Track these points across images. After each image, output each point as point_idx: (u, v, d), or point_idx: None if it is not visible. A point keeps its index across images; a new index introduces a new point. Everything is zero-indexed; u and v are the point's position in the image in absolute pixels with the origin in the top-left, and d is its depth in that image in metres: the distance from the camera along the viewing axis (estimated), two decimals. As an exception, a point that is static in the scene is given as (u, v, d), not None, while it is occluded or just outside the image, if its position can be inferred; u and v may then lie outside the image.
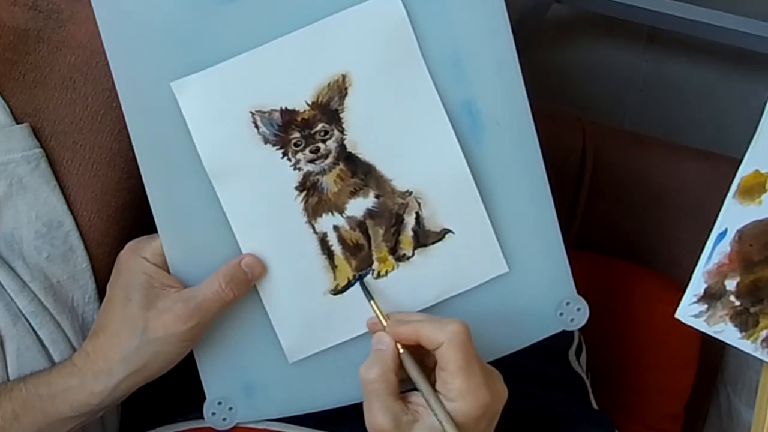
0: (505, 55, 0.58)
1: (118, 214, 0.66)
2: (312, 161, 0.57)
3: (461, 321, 0.53)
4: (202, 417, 0.61)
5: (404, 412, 0.52)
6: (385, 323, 0.56)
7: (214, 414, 0.60)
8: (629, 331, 0.85)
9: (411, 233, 0.59)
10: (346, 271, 0.59)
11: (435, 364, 0.53)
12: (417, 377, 0.53)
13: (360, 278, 0.59)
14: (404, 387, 0.54)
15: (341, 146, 0.57)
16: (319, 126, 0.57)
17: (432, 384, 0.53)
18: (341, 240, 0.58)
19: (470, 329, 0.53)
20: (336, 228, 0.58)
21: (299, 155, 0.57)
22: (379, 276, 0.59)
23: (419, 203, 0.58)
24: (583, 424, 0.71)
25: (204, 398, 0.60)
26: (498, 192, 0.59)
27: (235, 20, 0.56)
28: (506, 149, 0.58)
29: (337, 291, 0.59)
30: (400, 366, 0.54)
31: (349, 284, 0.59)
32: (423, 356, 0.54)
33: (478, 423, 0.52)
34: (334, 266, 0.59)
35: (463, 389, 0.52)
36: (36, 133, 0.63)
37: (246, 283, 0.57)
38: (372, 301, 0.57)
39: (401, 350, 0.54)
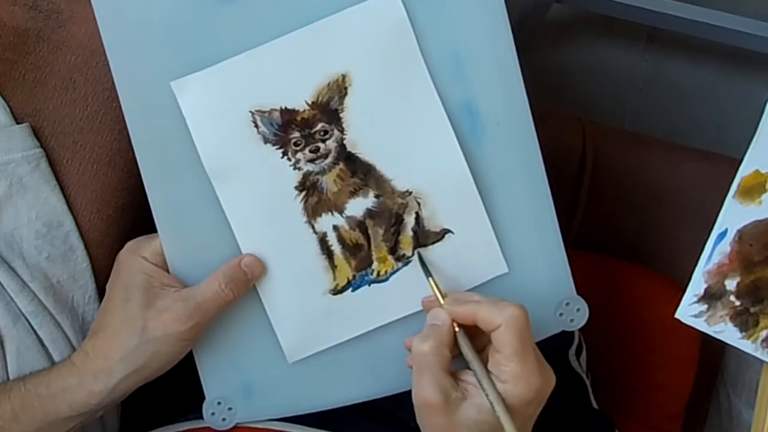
0: (505, 55, 0.58)
1: (118, 214, 0.65)
2: (312, 161, 0.57)
3: (520, 305, 0.52)
4: (202, 417, 0.61)
5: (454, 389, 0.52)
6: (442, 301, 0.55)
7: (213, 414, 0.60)
8: (629, 331, 0.85)
9: (411, 233, 0.59)
10: (346, 271, 0.59)
11: (486, 344, 0.53)
12: (471, 357, 0.53)
13: (418, 253, 0.58)
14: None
15: (341, 146, 0.57)
16: (319, 126, 0.57)
17: (484, 363, 0.53)
18: (341, 240, 0.58)
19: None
20: (336, 228, 0.58)
21: (299, 155, 0.57)
22: (378, 276, 0.59)
23: (419, 203, 0.58)
24: (583, 424, 0.71)
25: (204, 398, 0.60)
26: (498, 192, 0.59)
27: (235, 20, 0.56)
28: (506, 149, 0.58)
29: (337, 291, 0.59)
30: (454, 343, 0.53)
31: (349, 284, 0.59)
32: (474, 335, 0.54)
33: (528, 407, 0.52)
34: (333, 266, 0.59)
35: (517, 373, 0.51)
36: (36, 133, 0.63)
37: (245, 283, 0.57)
38: (430, 278, 0.57)
39: (457, 329, 0.54)
